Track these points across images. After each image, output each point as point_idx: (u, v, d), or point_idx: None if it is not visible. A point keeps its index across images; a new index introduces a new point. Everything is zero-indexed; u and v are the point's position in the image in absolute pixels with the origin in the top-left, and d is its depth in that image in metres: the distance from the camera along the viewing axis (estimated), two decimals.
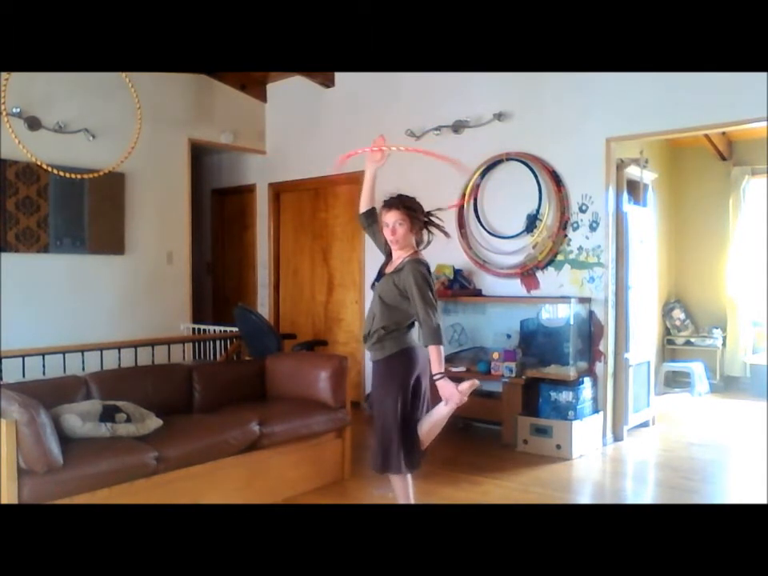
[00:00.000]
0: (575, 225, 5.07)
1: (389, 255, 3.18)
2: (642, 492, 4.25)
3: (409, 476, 3.14)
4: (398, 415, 3.02)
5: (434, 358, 2.94)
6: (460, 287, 5.40)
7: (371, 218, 3.24)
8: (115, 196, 5.86)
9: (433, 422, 3.11)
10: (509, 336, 5.28)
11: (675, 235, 7.48)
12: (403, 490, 3.13)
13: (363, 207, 3.28)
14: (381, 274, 3.17)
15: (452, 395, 2.95)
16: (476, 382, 3.06)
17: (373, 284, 3.22)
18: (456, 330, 5.58)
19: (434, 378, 2.96)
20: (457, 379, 5.32)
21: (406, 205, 3.06)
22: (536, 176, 5.19)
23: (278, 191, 7.12)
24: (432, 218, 3.16)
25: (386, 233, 3.08)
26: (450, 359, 5.38)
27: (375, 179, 3.25)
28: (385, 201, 3.11)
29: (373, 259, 4.72)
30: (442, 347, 2.95)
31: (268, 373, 4.38)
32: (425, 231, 3.14)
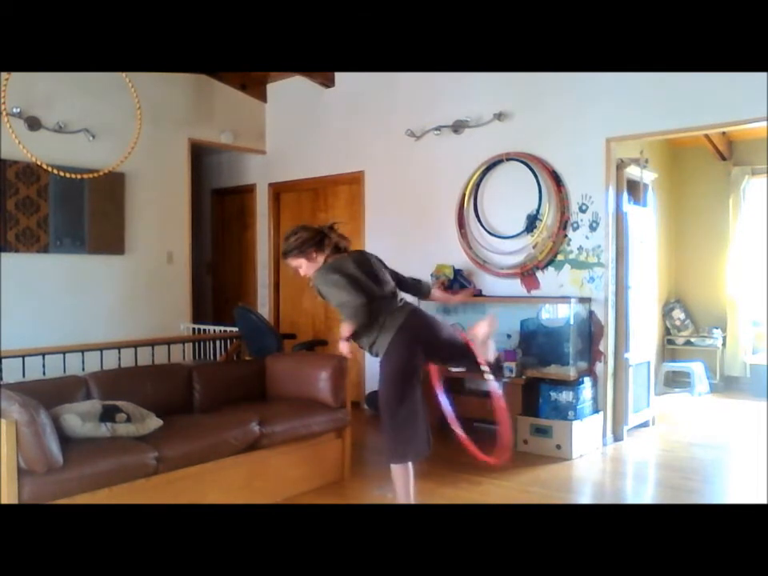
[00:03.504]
0: (575, 225, 5.07)
1: None
2: (641, 492, 4.25)
3: (411, 473, 3.16)
4: (388, 407, 3.12)
5: (344, 326, 3.19)
6: (460, 287, 5.39)
7: None
8: (115, 196, 5.86)
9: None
10: (509, 336, 5.27)
11: (675, 235, 7.48)
12: (402, 483, 3.14)
13: None
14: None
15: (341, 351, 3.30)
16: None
17: None
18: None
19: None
20: (457, 380, 5.35)
21: (292, 248, 3.21)
22: (536, 176, 5.19)
23: (278, 191, 7.12)
24: (328, 231, 3.25)
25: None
26: None
27: None
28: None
29: None
30: (352, 326, 3.13)
31: (268, 373, 4.37)
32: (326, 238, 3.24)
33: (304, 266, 3.24)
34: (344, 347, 3.28)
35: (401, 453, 3.12)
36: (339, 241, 3.27)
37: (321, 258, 3.22)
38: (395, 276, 3.35)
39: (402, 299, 3.28)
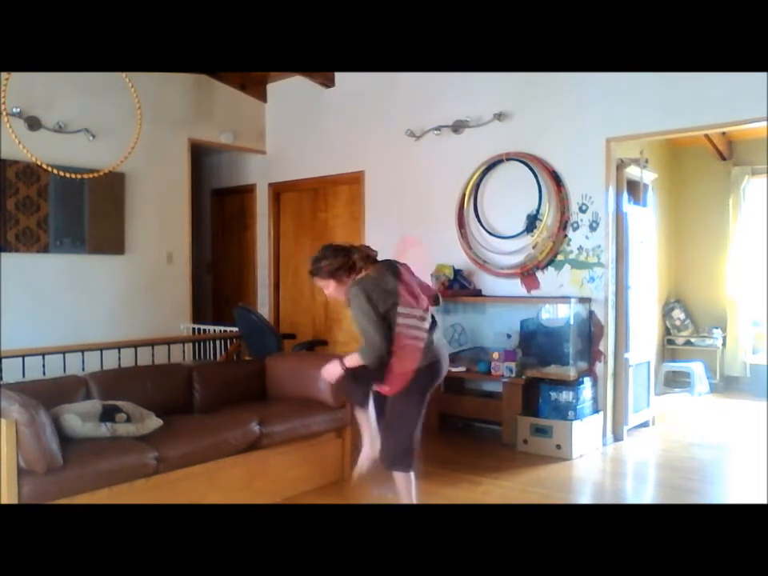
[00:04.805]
0: (575, 225, 5.07)
1: None
2: (642, 492, 4.25)
3: (412, 476, 3.17)
4: (417, 421, 3.09)
5: (352, 357, 3.04)
6: (460, 287, 5.40)
7: None
8: (115, 196, 5.86)
9: None
10: (509, 336, 5.28)
11: (675, 235, 7.48)
12: (406, 487, 3.15)
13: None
14: None
15: (328, 374, 3.15)
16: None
17: None
18: (456, 330, 5.58)
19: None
20: (458, 380, 5.34)
21: (324, 273, 3.09)
22: (536, 176, 5.19)
23: (278, 191, 7.12)
24: (354, 257, 3.09)
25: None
26: (450, 359, 5.38)
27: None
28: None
29: None
30: (361, 358, 2.99)
31: (268, 373, 4.38)
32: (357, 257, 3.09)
33: (332, 288, 3.11)
34: (333, 374, 3.16)
35: (407, 462, 3.12)
36: (369, 253, 3.14)
37: (351, 279, 3.09)
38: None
39: (431, 320, 3.16)
